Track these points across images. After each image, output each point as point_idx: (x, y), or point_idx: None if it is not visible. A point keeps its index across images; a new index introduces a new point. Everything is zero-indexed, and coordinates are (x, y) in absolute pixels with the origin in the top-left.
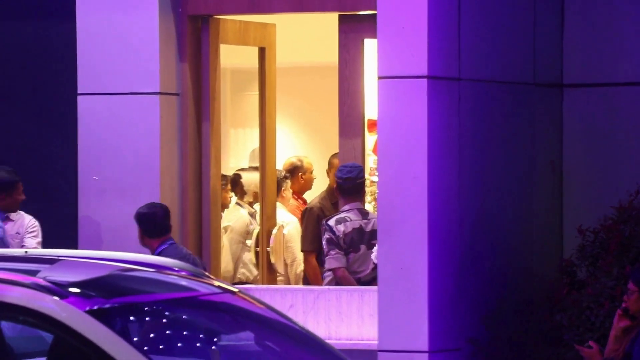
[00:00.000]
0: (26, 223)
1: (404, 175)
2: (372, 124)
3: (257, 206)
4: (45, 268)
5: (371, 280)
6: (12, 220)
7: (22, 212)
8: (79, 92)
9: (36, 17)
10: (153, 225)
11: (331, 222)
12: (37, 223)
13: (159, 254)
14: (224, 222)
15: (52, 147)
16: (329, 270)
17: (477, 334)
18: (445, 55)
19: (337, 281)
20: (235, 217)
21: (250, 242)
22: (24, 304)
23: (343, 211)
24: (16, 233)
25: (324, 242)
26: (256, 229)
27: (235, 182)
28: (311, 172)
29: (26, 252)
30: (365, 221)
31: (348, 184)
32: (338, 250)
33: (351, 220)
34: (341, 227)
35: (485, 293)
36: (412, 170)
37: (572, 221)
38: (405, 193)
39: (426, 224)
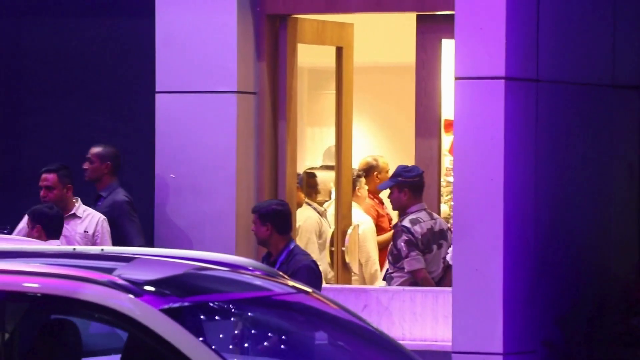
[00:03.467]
0: (95, 221)
1: (480, 176)
2: (449, 125)
3: (327, 205)
4: (120, 266)
5: (440, 280)
6: (79, 217)
7: (90, 209)
8: (156, 90)
9: (115, 15)
10: (285, 222)
11: (406, 223)
12: (106, 223)
13: (290, 252)
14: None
15: (129, 145)
16: (410, 271)
17: (551, 337)
18: (523, 56)
19: (419, 283)
20: (304, 216)
21: (322, 242)
22: (100, 301)
23: (412, 212)
24: (84, 232)
25: (402, 245)
26: (327, 227)
27: (302, 181)
28: (387, 172)
29: (102, 249)
30: (433, 221)
31: (420, 184)
32: (418, 252)
33: (423, 220)
34: (417, 228)
35: (561, 295)
36: (489, 172)
37: None
38: (481, 194)
39: (502, 225)
